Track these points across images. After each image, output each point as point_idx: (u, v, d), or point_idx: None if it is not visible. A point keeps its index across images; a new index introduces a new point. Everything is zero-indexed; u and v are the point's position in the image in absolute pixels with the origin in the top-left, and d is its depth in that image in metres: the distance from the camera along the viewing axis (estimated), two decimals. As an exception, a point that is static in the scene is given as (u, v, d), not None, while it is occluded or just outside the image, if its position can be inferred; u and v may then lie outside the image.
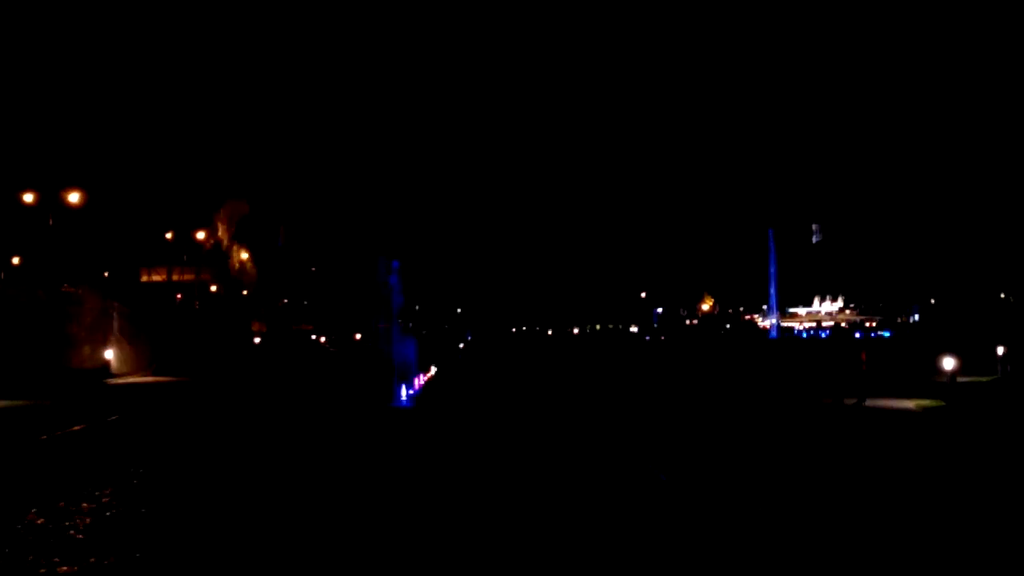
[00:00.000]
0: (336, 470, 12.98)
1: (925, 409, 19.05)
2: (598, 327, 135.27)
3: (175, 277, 75.81)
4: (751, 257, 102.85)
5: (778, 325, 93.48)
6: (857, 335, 79.38)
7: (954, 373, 22.97)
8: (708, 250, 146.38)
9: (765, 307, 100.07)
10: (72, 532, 9.27)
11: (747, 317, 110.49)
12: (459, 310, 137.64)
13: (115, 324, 33.82)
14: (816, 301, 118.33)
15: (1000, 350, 26.95)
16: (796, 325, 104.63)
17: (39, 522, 9.68)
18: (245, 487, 11.84)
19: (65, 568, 8.00)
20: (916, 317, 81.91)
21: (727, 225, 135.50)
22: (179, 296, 69.36)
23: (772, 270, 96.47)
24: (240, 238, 74.46)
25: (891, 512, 9.37)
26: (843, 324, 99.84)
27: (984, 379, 25.68)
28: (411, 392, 25.00)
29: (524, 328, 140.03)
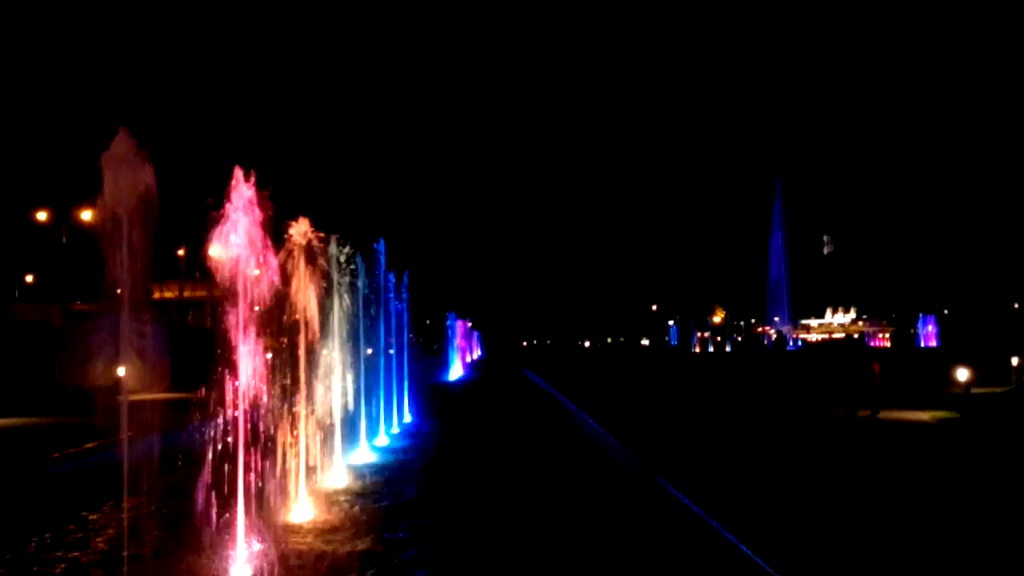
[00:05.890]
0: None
1: (940, 421, 18.94)
2: (609, 340, 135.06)
3: (187, 293, 76.09)
4: (762, 269, 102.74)
5: (790, 338, 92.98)
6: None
7: (968, 384, 22.83)
8: (718, 262, 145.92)
9: (777, 318, 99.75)
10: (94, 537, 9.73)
11: (759, 329, 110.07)
12: (469, 324, 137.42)
13: (127, 341, 33.97)
14: (828, 312, 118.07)
15: (1015, 360, 26.76)
16: (811, 336, 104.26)
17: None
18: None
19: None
20: (928, 327, 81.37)
21: (737, 236, 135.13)
22: (191, 314, 69.54)
23: (784, 282, 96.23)
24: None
25: (900, 515, 9.30)
26: (855, 335, 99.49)
27: (999, 390, 25.50)
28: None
29: (535, 342, 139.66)
